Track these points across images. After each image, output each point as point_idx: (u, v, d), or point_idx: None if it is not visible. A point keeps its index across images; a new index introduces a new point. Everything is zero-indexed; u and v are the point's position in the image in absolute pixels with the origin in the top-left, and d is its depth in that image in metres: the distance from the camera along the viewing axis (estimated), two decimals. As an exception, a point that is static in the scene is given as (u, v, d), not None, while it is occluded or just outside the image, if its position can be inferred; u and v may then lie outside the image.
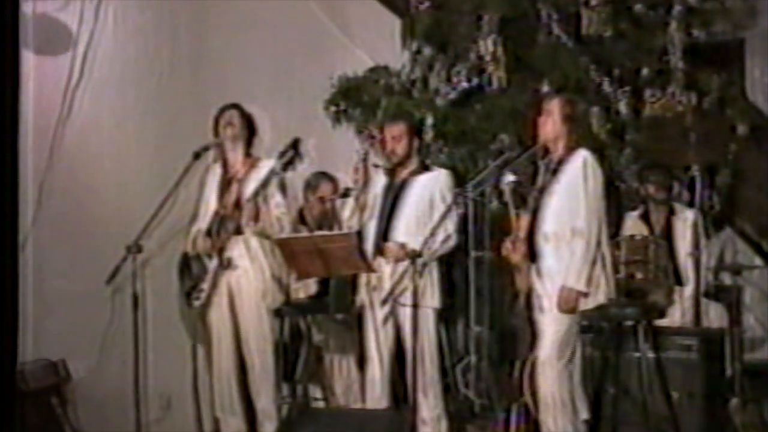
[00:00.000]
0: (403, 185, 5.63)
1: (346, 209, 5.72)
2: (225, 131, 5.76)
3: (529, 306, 5.19)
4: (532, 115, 5.28)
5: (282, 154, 5.52)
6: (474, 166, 6.69)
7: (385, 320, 5.59)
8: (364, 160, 5.71)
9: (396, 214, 5.59)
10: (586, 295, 4.99)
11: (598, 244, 5.01)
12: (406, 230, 5.57)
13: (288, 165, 5.51)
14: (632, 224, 6.49)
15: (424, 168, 5.71)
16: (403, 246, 5.51)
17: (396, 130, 5.63)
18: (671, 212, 6.52)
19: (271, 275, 5.74)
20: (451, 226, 5.55)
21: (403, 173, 5.67)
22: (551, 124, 5.12)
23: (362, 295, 5.68)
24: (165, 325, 6.17)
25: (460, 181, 5.96)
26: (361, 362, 5.80)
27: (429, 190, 5.60)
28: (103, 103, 6.55)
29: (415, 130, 5.78)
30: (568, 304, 5.00)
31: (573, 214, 5.01)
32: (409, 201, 5.60)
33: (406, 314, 5.48)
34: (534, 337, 5.14)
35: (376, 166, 5.68)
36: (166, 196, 5.64)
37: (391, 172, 5.66)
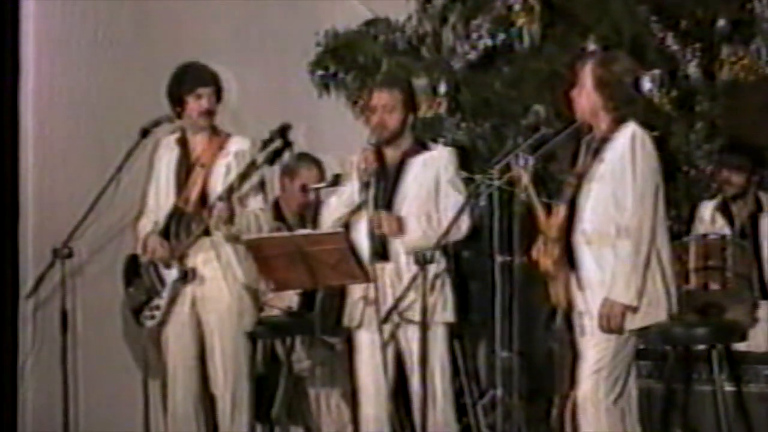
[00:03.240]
0: (398, 171, 5.61)
1: (333, 202, 5.66)
2: (198, 102, 5.69)
3: (569, 326, 5.14)
4: (565, 88, 5.26)
5: (266, 144, 5.50)
6: (500, 145, 6.65)
7: (385, 343, 5.54)
8: None
9: (394, 208, 5.56)
10: (634, 310, 4.94)
11: (652, 243, 4.96)
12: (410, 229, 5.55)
13: (275, 157, 5.53)
14: (709, 219, 6.46)
15: (420, 146, 5.69)
16: (399, 220, 5.51)
17: (388, 97, 5.61)
18: (758, 206, 6.50)
19: (246, 288, 5.75)
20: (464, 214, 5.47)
21: (396, 154, 5.64)
22: (585, 96, 5.09)
23: (354, 311, 5.62)
24: (102, 351, 6.20)
25: (482, 163, 5.94)
26: (355, 397, 5.72)
27: (432, 174, 5.58)
28: (21, 67, 6.53)
29: (413, 101, 5.75)
30: (611, 322, 4.94)
31: (619, 207, 4.99)
32: (409, 191, 5.58)
33: (412, 335, 5.48)
34: (576, 365, 5.09)
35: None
36: (104, 186, 5.61)
37: (377, 152, 5.61)
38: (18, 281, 6.35)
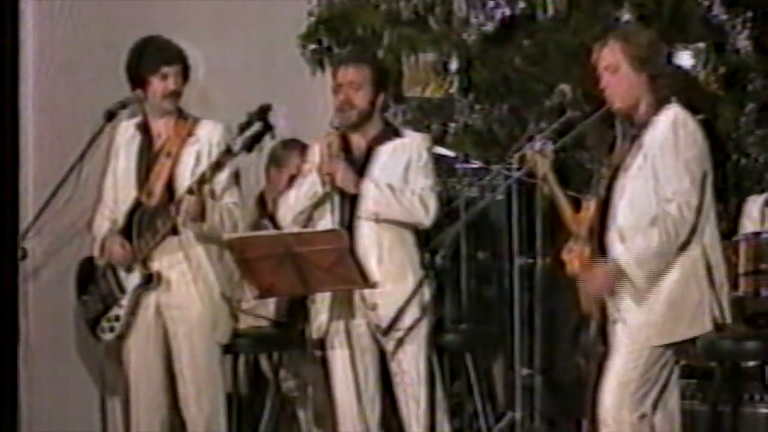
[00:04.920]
0: (365, 161, 5.62)
1: (291, 196, 5.68)
2: (164, 83, 5.69)
3: (603, 338, 5.14)
4: (592, 80, 5.23)
5: (244, 128, 5.48)
6: (520, 130, 6.56)
7: (364, 353, 5.60)
8: None
9: (359, 202, 5.57)
10: (635, 288, 4.94)
11: (692, 236, 4.96)
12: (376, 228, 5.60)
13: (254, 143, 5.48)
14: (758, 216, 6.36)
15: (392, 132, 5.71)
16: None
17: (354, 73, 5.66)
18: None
19: (220, 295, 5.73)
20: (428, 195, 5.54)
21: (361, 142, 5.66)
22: (623, 80, 5.09)
23: (320, 320, 5.61)
24: (60, 365, 6.21)
25: (500, 151, 6.05)
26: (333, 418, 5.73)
27: (402, 162, 5.60)
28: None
29: (383, 79, 5.79)
30: (596, 283, 5.01)
31: (660, 199, 4.99)
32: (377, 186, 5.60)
33: (403, 351, 5.53)
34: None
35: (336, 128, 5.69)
36: (63, 178, 5.66)
37: (343, 138, 5.65)
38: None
